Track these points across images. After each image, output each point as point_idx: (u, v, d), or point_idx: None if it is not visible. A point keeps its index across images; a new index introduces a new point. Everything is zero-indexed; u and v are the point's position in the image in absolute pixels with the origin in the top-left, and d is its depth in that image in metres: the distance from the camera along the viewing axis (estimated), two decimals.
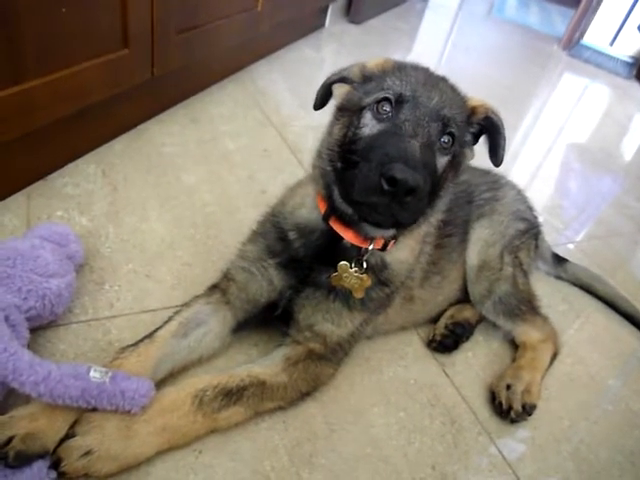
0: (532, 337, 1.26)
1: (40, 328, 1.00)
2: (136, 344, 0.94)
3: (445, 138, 0.88)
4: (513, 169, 2.33)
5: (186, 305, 1.05)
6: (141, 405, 0.83)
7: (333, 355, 1.03)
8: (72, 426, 0.81)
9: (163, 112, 1.84)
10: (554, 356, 1.27)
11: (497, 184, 1.39)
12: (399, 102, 0.86)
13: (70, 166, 1.46)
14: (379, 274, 1.01)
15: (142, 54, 1.53)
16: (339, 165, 0.90)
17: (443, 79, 0.97)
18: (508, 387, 1.14)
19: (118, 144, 1.62)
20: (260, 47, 2.49)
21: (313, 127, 2.07)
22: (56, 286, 0.96)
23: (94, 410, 0.83)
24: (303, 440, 0.97)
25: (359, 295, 0.99)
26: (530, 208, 1.43)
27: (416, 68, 0.95)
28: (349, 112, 0.92)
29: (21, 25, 1.11)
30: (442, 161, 0.89)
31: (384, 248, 0.97)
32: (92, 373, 0.82)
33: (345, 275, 0.96)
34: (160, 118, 1.81)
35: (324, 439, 0.99)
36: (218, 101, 2.03)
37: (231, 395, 0.91)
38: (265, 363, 0.99)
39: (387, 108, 0.86)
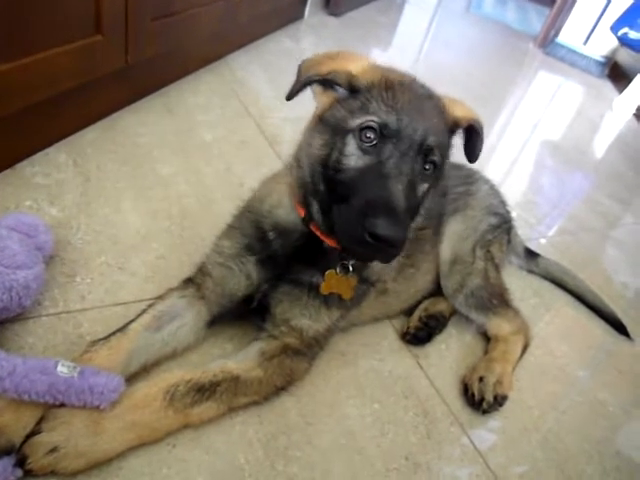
0: (503, 330, 1.29)
1: (8, 321, 0.97)
2: (107, 337, 0.93)
3: (428, 166, 0.88)
4: (488, 165, 2.37)
5: (160, 298, 1.03)
6: (110, 401, 0.81)
7: (309, 350, 1.03)
8: (39, 422, 0.79)
9: (138, 101, 1.80)
10: (525, 348, 1.29)
11: (471, 178, 1.42)
12: (383, 134, 0.85)
13: (40, 155, 1.42)
14: (360, 272, 1.01)
15: (116, 40, 1.49)
16: (322, 188, 0.89)
17: (429, 97, 0.94)
18: (480, 379, 1.17)
19: (91, 133, 1.58)
20: (238, 37, 2.45)
21: (291, 119, 2.05)
22: (23, 278, 0.93)
23: (62, 406, 0.80)
24: (278, 433, 0.98)
25: (348, 296, 0.99)
26: (503, 203, 1.46)
27: (402, 84, 0.92)
28: (332, 129, 0.89)
29: None
30: (424, 187, 0.90)
31: None
32: (60, 368, 0.80)
33: (333, 282, 0.96)
34: (135, 107, 1.77)
35: (299, 432, 0.99)
36: (195, 91, 1.99)
37: (204, 391, 0.90)
38: (239, 358, 0.98)
39: (371, 136, 0.85)
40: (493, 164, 2.41)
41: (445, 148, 0.93)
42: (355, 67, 0.92)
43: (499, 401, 1.15)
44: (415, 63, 3.47)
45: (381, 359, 1.19)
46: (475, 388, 1.15)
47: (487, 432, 1.13)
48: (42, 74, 1.27)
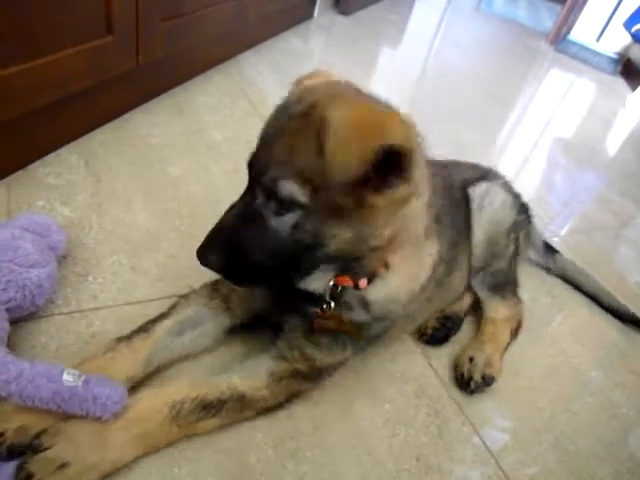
0: (500, 314, 1.30)
1: (21, 320, 0.98)
2: (130, 337, 0.93)
3: (272, 204, 0.78)
4: (499, 163, 2.35)
5: (185, 300, 1.03)
6: (113, 412, 0.80)
7: (318, 376, 1.01)
8: (38, 435, 0.78)
9: (148, 102, 1.81)
10: (513, 334, 1.30)
11: (488, 176, 1.40)
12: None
13: (52, 156, 1.43)
14: (369, 311, 0.95)
15: (127, 41, 1.50)
16: None
17: (301, 117, 0.77)
18: (470, 359, 1.18)
19: (102, 134, 1.59)
20: (247, 37, 2.46)
21: None
22: (37, 276, 0.94)
23: (64, 417, 0.80)
24: (288, 433, 0.97)
25: (357, 338, 0.97)
26: (519, 196, 1.44)
27: (277, 109, 0.85)
28: None
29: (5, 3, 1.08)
30: (285, 220, 0.78)
31: (357, 287, 0.90)
32: (65, 376, 0.79)
33: (321, 320, 0.93)
34: (145, 108, 1.78)
35: (309, 432, 0.99)
36: (204, 91, 2.00)
37: (210, 408, 0.89)
38: (247, 373, 0.95)
39: None
40: (504, 162, 2.39)
41: (308, 179, 0.74)
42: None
43: (487, 381, 1.16)
44: (425, 62, 3.45)
45: (392, 359, 1.18)
46: (465, 368, 1.17)
47: (499, 433, 1.12)
48: (53, 76, 1.28)
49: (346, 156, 0.69)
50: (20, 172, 1.34)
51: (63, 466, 0.76)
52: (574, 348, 1.40)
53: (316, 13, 3.26)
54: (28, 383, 0.77)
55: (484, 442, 1.08)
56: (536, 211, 1.97)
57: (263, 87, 2.20)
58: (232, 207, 0.84)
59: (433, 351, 1.24)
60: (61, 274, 1.09)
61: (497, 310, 1.31)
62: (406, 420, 1.07)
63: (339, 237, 0.79)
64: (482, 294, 1.33)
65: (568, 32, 4.61)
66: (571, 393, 1.28)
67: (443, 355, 1.24)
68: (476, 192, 1.31)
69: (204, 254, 0.80)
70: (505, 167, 2.31)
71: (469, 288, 1.35)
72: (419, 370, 1.19)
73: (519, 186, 1.48)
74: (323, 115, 0.71)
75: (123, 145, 1.57)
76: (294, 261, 0.82)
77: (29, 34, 1.18)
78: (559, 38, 4.58)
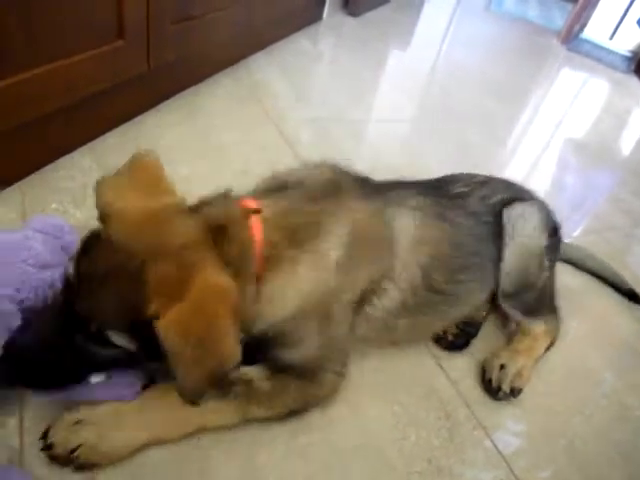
0: (538, 328, 1.27)
1: None
2: None
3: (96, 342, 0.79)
4: (510, 164, 2.33)
5: None
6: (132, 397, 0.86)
7: (310, 374, 0.98)
8: None
9: (159, 104, 1.82)
10: (549, 347, 1.28)
11: (522, 196, 1.34)
12: None
13: (65, 159, 1.45)
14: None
15: (137, 45, 1.52)
16: None
17: None
18: (501, 367, 1.16)
19: (113, 137, 1.61)
20: (256, 40, 2.47)
21: (310, 120, 2.06)
22: (49, 276, 0.95)
23: None
24: (299, 431, 0.98)
25: None
26: (552, 216, 1.37)
27: (90, 246, 0.80)
28: None
29: (10, 15, 1.09)
30: (110, 352, 0.80)
31: None
32: (93, 379, 0.84)
33: None
34: (156, 110, 1.79)
35: (319, 431, 0.99)
36: (214, 94, 2.01)
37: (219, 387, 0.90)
38: (251, 368, 0.96)
39: None
40: (515, 163, 2.37)
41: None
42: None
43: (514, 393, 1.15)
44: (434, 62, 3.44)
45: (402, 359, 1.18)
46: (494, 375, 1.16)
47: (511, 436, 1.11)
48: (65, 81, 1.30)
49: (176, 348, 0.70)
50: (34, 175, 1.36)
51: (78, 423, 0.81)
52: (588, 351, 1.39)
53: (325, 14, 3.26)
54: None
55: (496, 445, 1.07)
56: None
57: (272, 89, 2.21)
58: (35, 322, 0.81)
59: (443, 352, 1.23)
60: None
61: (535, 325, 1.27)
62: (417, 422, 1.06)
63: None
64: (516, 316, 1.28)
65: (581, 30, 4.56)
66: (586, 396, 1.26)
67: (453, 357, 1.23)
68: (509, 215, 1.25)
69: (6, 378, 0.80)
70: (515, 168, 2.30)
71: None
72: (429, 372, 1.18)
73: (529, 187, 1.46)
74: (154, 319, 0.69)
75: (134, 148, 1.58)
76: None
77: (40, 39, 1.19)
78: (571, 36, 4.54)
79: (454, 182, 1.29)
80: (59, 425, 0.82)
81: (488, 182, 1.33)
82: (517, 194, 1.33)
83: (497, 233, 1.23)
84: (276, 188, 1.02)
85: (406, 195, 1.13)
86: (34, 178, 1.35)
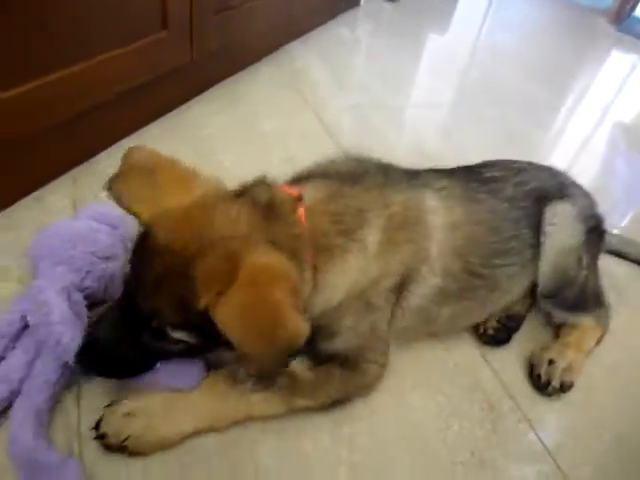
0: (587, 322, 1.23)
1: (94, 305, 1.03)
2: None
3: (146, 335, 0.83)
4: (555, 150, 2.26)
5: None
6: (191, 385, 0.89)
7: (352, 363, 0.98)
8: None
9: (201, 94, 1.85)
10: (599, 341, 1.24)
11: (562, 186, 1.29)
12: None
13: (112, 148, 1.49)
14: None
15: (181, 35, 1.54)
16: None
17: None
18: (550, 362, 1.14)
19: (158, 127, 1.64)
20: (296, 27, 2.46)
21: (350, 107, 2.05)
22: (111, 269, 0.99)
23: None
24: (343, 420, 0.99)
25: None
26: (593, 209, 1.33)
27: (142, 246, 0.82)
28: None
29: (57, 10, 1.12)
30: (173, 347, 0.83)
31: None
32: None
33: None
34: (198, 100, 1.82)
35: (363, 420, 1.00)
36: (255, 82, 2.02)
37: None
38: (297, 359, 0.97)
39: None
40: (560, 149, 2.30)
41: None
42: None
43: (564, 388, 1.12)
44: (474, 47, 3.34)
45: (446, 349, 1.17)
46: (543, 370, 1.13)
47: (557, 430, 1.09)
48: (113, 72, 1.33)
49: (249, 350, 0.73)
50: (84, 165, 1.40)
51: (128, 414, 0.83)
52: (636, 343, 1.34)
53: (363, 0, 3.22)
54: None
55: (540, 439, 1.06)
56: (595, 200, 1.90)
57: (312, 76, 2.20)
58: (106, 319, 0.84)
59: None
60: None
61: (584, 320, 1.23)
62: (460, 413, 1.06)
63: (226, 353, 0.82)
64: (559, 315, 1.25)
65: (632, 9, 4.34)
66: (631, 389, 1.22)
67: (498, 349, 1.21)
68: (547, 213, 1.21)
69: (84, 361, 0.83)
70: (560, 154, 2.22)
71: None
72: (472, 363, 1.17)
73: (575, 174, 1.41)
74: (199, 302, 0.72)
75: (178, 137, 1.62)
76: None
77: (88, 33, 1.23)
78: (622, 16, 4.32)
79: (490, 167, 1.26)
80: (110, 416, 0.84)
81: (527, 169, 1.29)
82: (557, 183, 1.28)
83: (535, 220, 1.20)
84: (304, 178, 1.02)
85: (433, 178, 1.12)
86: (85, 167, 1.40)
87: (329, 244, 0.89)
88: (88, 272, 0.95)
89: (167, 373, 0.87)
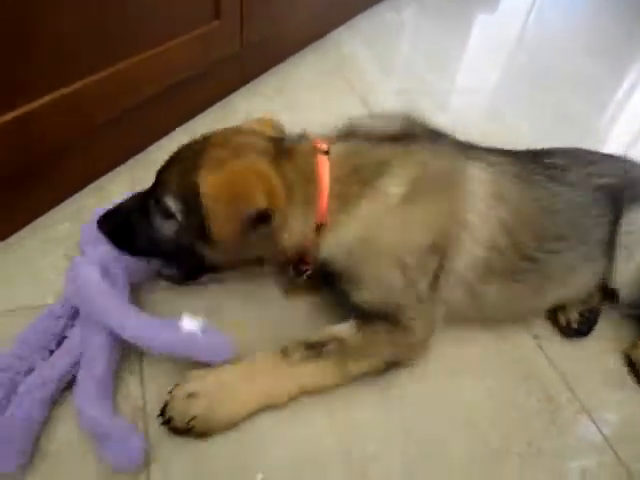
0: None
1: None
2: None
3: (158, 209, 0.97)
4: (611, 133, 2.16)
5: None
6: (224, 359, 0.91)
7: (393, 319, 0.99)
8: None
9: (249, 83, 1.87)
10: None
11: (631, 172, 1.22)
12: None
13: (164, 140, 1.54)
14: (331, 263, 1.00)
15: (232, 25, 1.55)
16: None
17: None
18: None
19: (207, 117, 1.68)
20: (341, 13, 2.44)
21: (395, 92, 2.02)
22: None
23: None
24: (395, 405, 0.99)
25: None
26: None
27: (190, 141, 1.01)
28: None
29: (113, 5, 1.15)
30: (165, 226, 0.97)
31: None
32: (185, 323, 0.89)
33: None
34: (246, 89, 1.84)
35: (417, 406, 1.00)
36: (301, 69, 2.03)
37: (312, 348, 0.94)
38: (341, 325, 1.00)
39: None
40: (617, 131, 2.19)
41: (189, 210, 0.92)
42: None
43: None
44: (523, 26, 3.22)
45: (500, 339, 1.15)
46: None
47: (617, 421, 1.05)
48: (169, 63, 1.37)
49: (215, 216, 0.86)
50: (140, 155, 1.46)
51: (190, 396, 0.87)
52: None
53: None
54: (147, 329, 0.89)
55: (600, 430, 1.03)
56: None
57: (358, 62, 2.18)
58: (135, 196, 1.02)
59: (543, 333, 1.19)
60: None
61: None
62: (516, 403, 1.04)
63: (214, 257, 0.98)
64: None
65: None
66: None
67: (554, 339, 1.18)
68: (626, 220, 1.15)
69: (102, 223, 1.00)
70: (617, 137, 2.12)
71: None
72: (528, 352, 1.14)
73: (637, 154, 1.33)
74: (198, 174, 0.88)
75: (226, 126, 1.64)
76: (180, 262, 1.04)
77: (147, 25, 1.26)
78: None
79: (556, 155, 1.20)
80: (174, 400, 0.87)
81: (601, 161, 1.22)
82: (636, 181, 1.20)
83: (606, 218, 1.14)
84: (346, 134, 1.06)
85: (485, 153, 1.10)
86: (141, 157, 1.45)
87: (345, 191, 0.96)
88: None
89: (206, 350, 0.90)
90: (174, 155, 0.98)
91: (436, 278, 1.01)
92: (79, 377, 0.87)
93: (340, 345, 0.95)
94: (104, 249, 1.00)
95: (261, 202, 0.85)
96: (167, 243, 0.97)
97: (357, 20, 2.58)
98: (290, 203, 0.92)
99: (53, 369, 0.87)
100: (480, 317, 1.15)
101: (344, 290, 1.00)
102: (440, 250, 0.99)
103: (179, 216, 0.93)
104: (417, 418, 0.98)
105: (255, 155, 0.91)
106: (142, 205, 0.98)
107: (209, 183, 0.86)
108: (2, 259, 1.14)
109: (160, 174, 0.98)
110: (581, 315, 1.19)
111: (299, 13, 1.98)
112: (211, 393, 0.88)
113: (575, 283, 1.17)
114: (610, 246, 1.15)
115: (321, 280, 1.07)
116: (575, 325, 1.18)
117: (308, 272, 1.06)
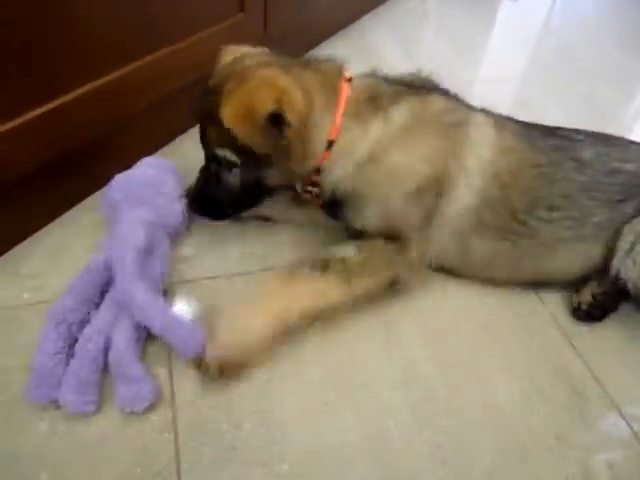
0: None
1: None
2: None
3: (221, 166, 1.05)
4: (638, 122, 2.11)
5: None
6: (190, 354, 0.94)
7: (389, 236, 1.06)
8: None
9: None
10: None
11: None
12: None
13: (192, 131, 1.54)
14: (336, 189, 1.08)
15: (256, 16, 1.55)
16: None
17: (214, 91, 1.01)
18: None
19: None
20: (365, 1, 2.41)
21: None
22: (178, 207, 1.17)
23: None
24: (424, 401, 1.00)
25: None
26: None
27: (203, 92, 1.05)
28: None
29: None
30: (233, 174, 1.05)
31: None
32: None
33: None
34: None
35: (445, 401, 1.00)
36: None
37: (317, 266, 1.01)
38: (343, 247, 1.07)
39: None
40: None
41: (234, 147, 0.99)
42: None
43: None
44: (549, 13, 3.14)
45: (529, 334, 1.14)
46: None
47: None
48: (195, 56, 1.37)
49: (245, 137, 0.95)
50: (172, 143, 1.50)
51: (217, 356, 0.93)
52: None
53: None
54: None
55: (631, 426, 1.02)
56: None
57: (383, 51, 2.16)
58: (201, 172, 1.12)
59: (574, 329, 1.17)
60: None
61: None
62: (545, 399, 1.03)
63: (273, 177, 1.05)
64: None
65: None
66: None
67: (584, 334, 1.17)
68: (628, 228, 1.12)
69: (192, 209, 1.17)
70: None
71: None
72: (558, 348, 1.13)
73: None
74: (219, 113, 0.94)
75: None
76: (251, 198, 1.12)
77: (176, 16, 1.26)
78: None
79: (576, 131, 1.19)
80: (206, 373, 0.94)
81: (623, 145, 1.20)
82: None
83: (614, 209, 1.11)
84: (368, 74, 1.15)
85: (497, 115, 1.15)
86: (172, 146, 1.50)
87: (359, 111, 1.03)
88: (165, 209, 1.14)
89: (177, 341, 0.93)
90: (200, 117, 1.04)
91: (429, 216, 1.08)
92: (119, 321, 0.94)
93: (342, 264, 1.02)
94: (142, 211, 1.09)
95: (269, 105, 0.91)
96: (242, 188, 1.06)
97: (384, 7, 2.55)
98: (309, 107, 0.97)
99: (104, 320, 0.95)
100: (466, 270, 1.19)
101: (347, 218, 1.10)
102: (438, 185, 1.05)
103: (235, 158, 1.00)
104: (444, 414, 0.99)
105: (262, 68, 0.98)
106: (210, 174, 1.08)
107: (226, 114, 0.94)
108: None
109: (202, 139, 1.05)
110: (594, 297, 1.17)
111: (322, 4, 1.97)
112: (230, 322, 0.96)
113: (562, 259, 1.16)
114: (617, 235, 1.12)
115: (326, 210, 1.17)
116: (585, 307, 1.16)
117: (316, 193, 1.12)
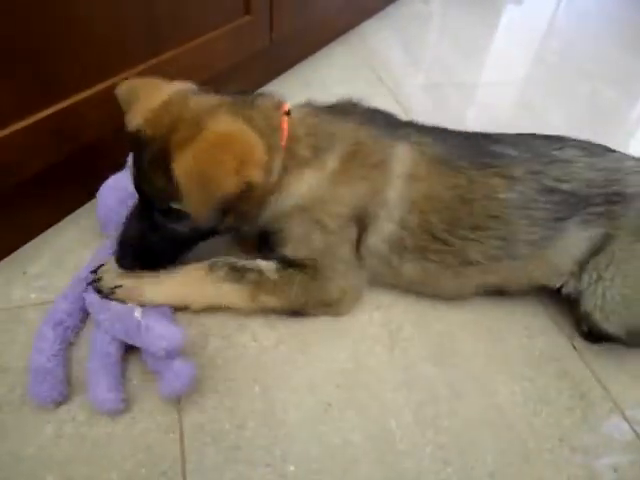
0: None
1: None
2: None
3: (170, 217, 0.98)
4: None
5: None
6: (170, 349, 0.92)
7: (312, 271, 1.07)
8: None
9: (276, 78, 1.88)
10: None
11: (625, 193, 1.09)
12: None
13: None
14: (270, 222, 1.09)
15: (262, 19, 1.56)
16: None
17: None
18: None
19: None
20: (369, 5, 2.42)
21: (425, 86, 2.00)
22: None
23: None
24: (426, 402, 1.00)
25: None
26: None
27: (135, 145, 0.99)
28: None
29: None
30: (183, 225, 0.98)
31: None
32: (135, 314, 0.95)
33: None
34: (274, 83, 1.85)
35: (446, 402, 1.01)
36: (329, 63, 2.02)
37: (236, 271, 1.04)
38: (266, 262, 1.09)
39: None
40: None
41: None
42: None
43: None
44: (553, 16, 3.15)
45: (531, 337, 1.15)
46: None
47: None
48: (201, 58, 1.38)
49: (196, 204, 0.90)
50: None
51: (122, 275, 1.00)
52: None
53: None
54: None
55: (634, 429, 1.02)
56: None
57: (386, 55, 2.17)
58: (130, 217, 1.01)
59: (576, 332, 1.18)
60: None
61: None
62: (547, 400, 1.04)
63: (228, 221, 1.01)
64: None
65: None
66: None
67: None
68: (593, 261, 1.11)
69: (122, 263, 1.00)
70: None
71: None
72: (561, 351, 1.14)
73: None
74: (170, 167, 0.85)
75: None
76: (195, 244, 1.07)
77: (181, 19, 1.28)
78: None
79: (511, 145, 1.12)
80: (108, 268, 1.01)
81: (572, 162, 1.10)
82: (612, 193, 1.08)
83: (555, 230, 1.09)
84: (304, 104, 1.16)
85: (416, 132, 1.13)
86: None
87: (298, 152, 1.03)
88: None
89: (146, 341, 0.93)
90: (144, 159, 0.92)
91: (357, 247, 1.11)
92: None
93: (258, 276, 1.05)
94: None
95: (230, 182, 0.87)
96: (189, 236, 1.03)
97: (387, 11, 2.56)
98: (267, 153, 0.93)
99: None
100: (410, 289, 1.20)
101: (274, 245, 1.10)
102: (359, 222, 1.08)
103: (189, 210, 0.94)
104: (447, 415, 0.99)
105: (214, 115, 0.91)
106: (150, 222, 0.98)
107: (181, 171, 0.85)
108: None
109: (145, 183, 0.94)
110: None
111: (329, 6, 1.98)
112: (139, 278, 1.01)
113: (503, 274, 1.15)
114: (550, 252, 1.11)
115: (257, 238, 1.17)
116: (585, 328, 1.15)
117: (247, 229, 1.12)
